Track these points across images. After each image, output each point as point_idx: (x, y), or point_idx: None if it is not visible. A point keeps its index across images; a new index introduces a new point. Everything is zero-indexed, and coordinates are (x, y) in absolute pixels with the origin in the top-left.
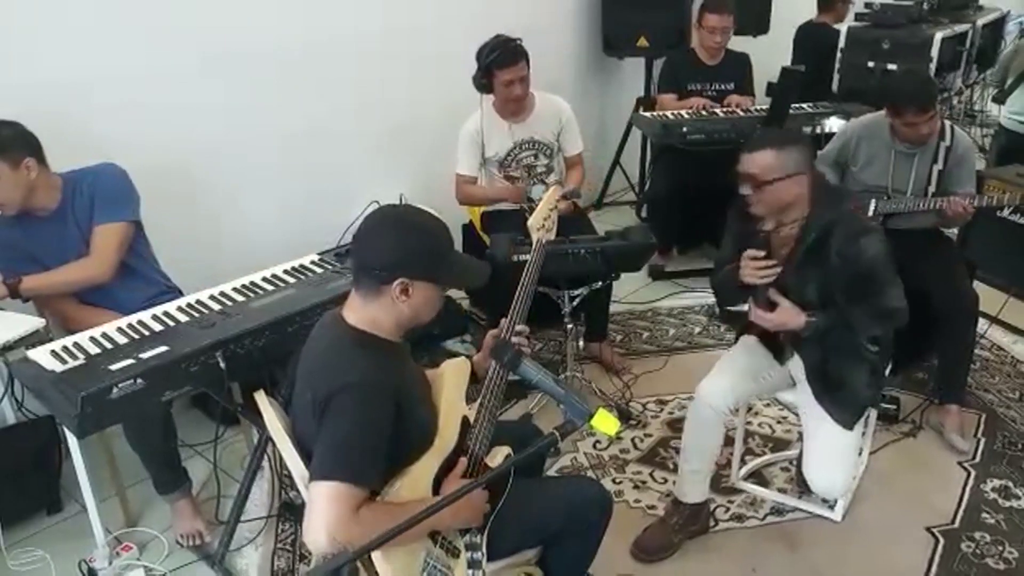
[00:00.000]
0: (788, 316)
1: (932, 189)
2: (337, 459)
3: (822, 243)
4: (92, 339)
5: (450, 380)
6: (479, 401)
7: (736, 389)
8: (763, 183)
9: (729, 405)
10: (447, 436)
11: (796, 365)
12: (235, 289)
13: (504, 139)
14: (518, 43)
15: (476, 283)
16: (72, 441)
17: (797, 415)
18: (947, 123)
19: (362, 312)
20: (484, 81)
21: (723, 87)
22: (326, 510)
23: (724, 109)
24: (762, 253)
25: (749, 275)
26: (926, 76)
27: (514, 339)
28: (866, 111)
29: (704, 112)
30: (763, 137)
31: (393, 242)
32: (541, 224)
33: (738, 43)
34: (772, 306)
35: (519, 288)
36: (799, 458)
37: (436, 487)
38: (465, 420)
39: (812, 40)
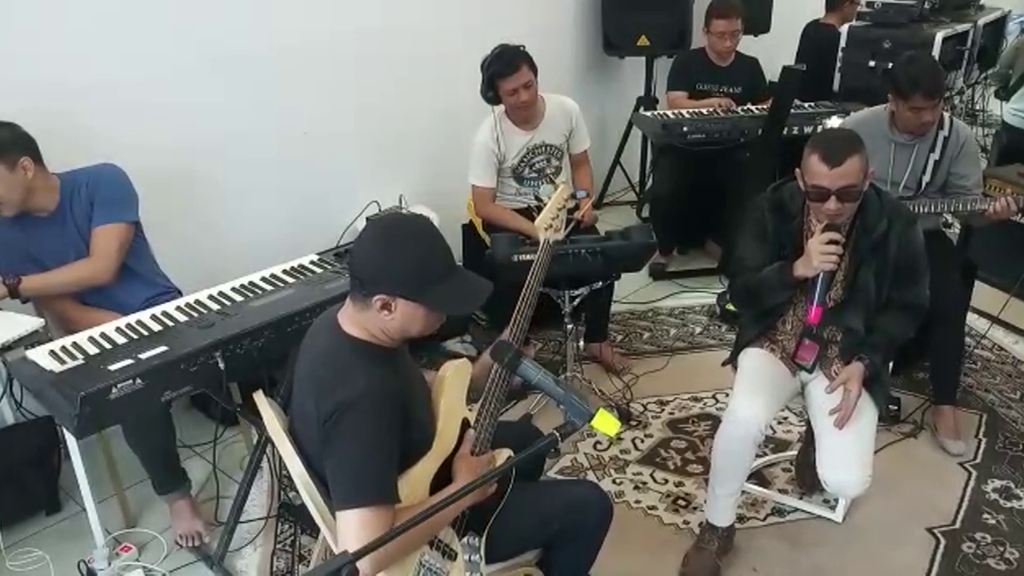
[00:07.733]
0: (855, 381)
1: (927, 179)
2: (358, 483)
3: (886, 233)
4: (91, 339)
5: (451, 382)
6: (479, 404)
7: (769, 407)
8: (861, 190)
9: (764, 426)
10: (447, 439)
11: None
12: (234, 289)
13: (518, 146)
14: (519, 49)
15: (466, 311)
16: (71, 441)
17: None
18: (946, 115)
19: (355, 320)
20: (490, 94)
21: (732, 89)
22: (359, 537)
23: (731, 109)
24: (840, 237)
25: (825, 259)
26: (934, 63)
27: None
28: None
29: (719, 112)
30: (840, 143)
31: (379, 256)
32: (549, 224)
33: (740, 42)
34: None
35: (524, 289)
36: (799, 458)
37: (433, 489)
38: (465, 422)
39: (815, 40)
